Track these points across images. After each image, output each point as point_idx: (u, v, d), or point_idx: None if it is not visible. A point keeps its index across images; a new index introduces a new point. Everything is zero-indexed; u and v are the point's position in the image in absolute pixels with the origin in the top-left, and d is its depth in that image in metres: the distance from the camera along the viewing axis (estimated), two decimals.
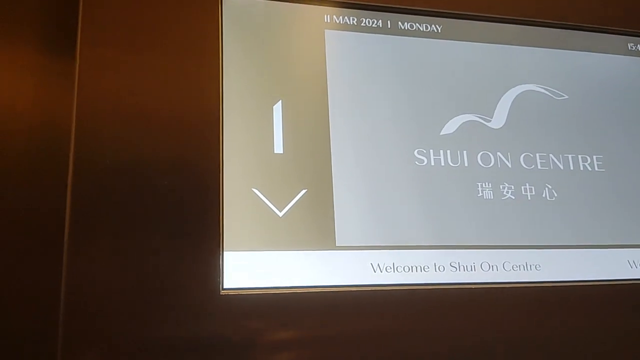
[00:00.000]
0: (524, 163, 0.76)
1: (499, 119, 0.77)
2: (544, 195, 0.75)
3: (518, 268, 0.70)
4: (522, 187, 0.74)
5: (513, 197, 0.74)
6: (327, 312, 0.63)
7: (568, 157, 0.78)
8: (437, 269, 0.68)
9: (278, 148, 0.69)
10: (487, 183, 0.73)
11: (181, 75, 0.67)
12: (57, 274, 0.59)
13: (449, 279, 0.68)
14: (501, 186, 0.74)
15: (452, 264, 0.69)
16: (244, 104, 0.69)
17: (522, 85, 0.80)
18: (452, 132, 0.75)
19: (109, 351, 0.58)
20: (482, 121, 0.76)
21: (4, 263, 0.62)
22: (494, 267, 0.70)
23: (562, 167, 0.77)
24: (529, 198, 0.74)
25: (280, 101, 0.71)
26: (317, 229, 0.66)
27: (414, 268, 0.67)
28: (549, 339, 0.67)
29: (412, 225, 0.69)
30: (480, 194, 0.73)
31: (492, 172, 0.74)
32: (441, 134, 0.74)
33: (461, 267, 0.69)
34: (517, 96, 0.79)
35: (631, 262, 0.74)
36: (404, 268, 0.67)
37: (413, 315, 0.65)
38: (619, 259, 0.74)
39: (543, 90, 0.80)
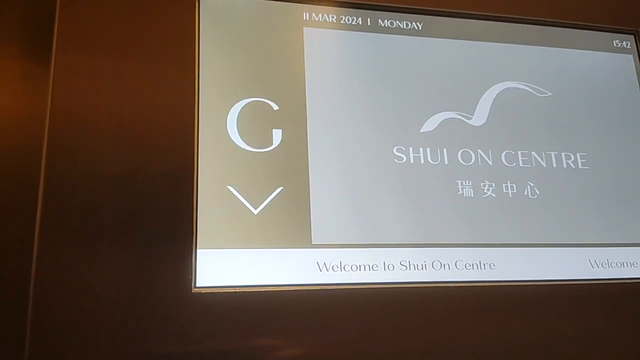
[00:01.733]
0: (506, 161, 0.75)
1: (480, 117, 0.76)
2: (525, 193, 0.74)
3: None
4: (504, 185, 0.74)
5: (494, 195, 0.73)
6: (302, 311, 0.62)
7: (551, 154, 0.77)
8: (416, 267, 0.67)
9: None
10: (467, 181, 0.73)
11: (156, 73, 0.67)
12: (26, 275, 0.58)
13: (432, 277, 0.67)
14: (482, 184, 0.73)
15: (433, 263, 0.68)
16: (220, 102, 0.69)
17: (504, 83, 0.79)
18: (432, 129, 0.74)
19: (79, 349, 0.57)
20: (463, 119, 0.76)
21: None
22: (447, 265, 0.69)
23: (544, 165, 0.76)
24: (510, 196, 0.73)
25: (258, 99, 0.70)
26: (293, 227, 0.66)
27: (391, 266, 0.66)
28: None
29: (390, 224, 0.69)
30: (461, 192, 0.72)
31: (473, 170, 0.73)
32: (421, 131, 0.74)
33: (443, 265, 0.68)
34: (498, 93, 0.78)
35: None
36: (382, 266, 0.66)
37: (390, 314, 0.64)
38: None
39: (526, 88, 0.80)
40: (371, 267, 0.66)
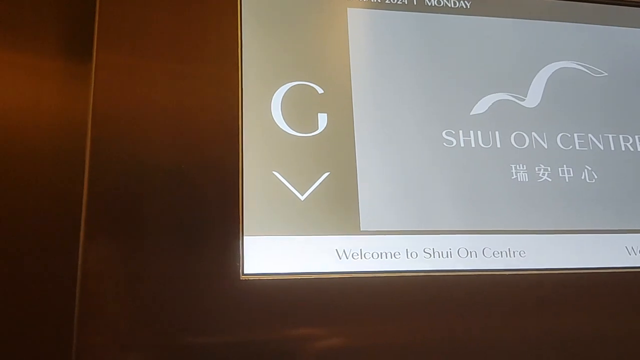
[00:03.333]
0: (561, 143, 0.71)
1: (533, 98, 0.73)
2: (583, 177, 0.70)
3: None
4: (559, 169, 0.70)
5: (550, 180, 0.69)
6: (350, 298, 0.60)
7: (608, 137, 0.73)
8: (471, 254, 0.64)
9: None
10: (521, 165, 0.69)
11: (199, 61, 0.66)
12: (74, 260, 0.58)
13: (489, 265, 0.64)
14: (537, 168, 0.70)
15: (487, 249, 0.65)
16: (264, 86, 0.67)
17: (558, 63, 0.75)
18: (483, 111, 0.71)
19: (127, 337, 0.56)
20: (516, 100, 0.72)
21: (21, 255, 0.61)
22: (517, 253, 0.65)
23: (602, 148, 0.72)
24: (567, 180, 0.70)
25: (302, 83, 0.68)
26: (340, 213, 0.64)
27: (443, 253, 0.64)
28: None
29: (441, 210, 0.66)
30: (515, 176, 0.69)
31: (527, 154, 0.70)
32: (471, 114, 0.71)
33: (507, 253, 0.65)
34: (552, 74, 0.74)
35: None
36: (434, 254, 0.64)
37: (439, 303, 0.62)
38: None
39: (580, 67, 0.76)
40: (425, 254, 0.63)
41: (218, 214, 0.61)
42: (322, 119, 0.67)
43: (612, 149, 0.73)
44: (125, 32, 0.66)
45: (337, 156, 0.66)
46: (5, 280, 0.59)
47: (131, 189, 0.60)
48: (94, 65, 0.64)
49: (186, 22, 0.68)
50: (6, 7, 0.68)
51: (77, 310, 0.56)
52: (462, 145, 0.69)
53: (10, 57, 0.67)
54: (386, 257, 0.63)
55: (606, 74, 0.76)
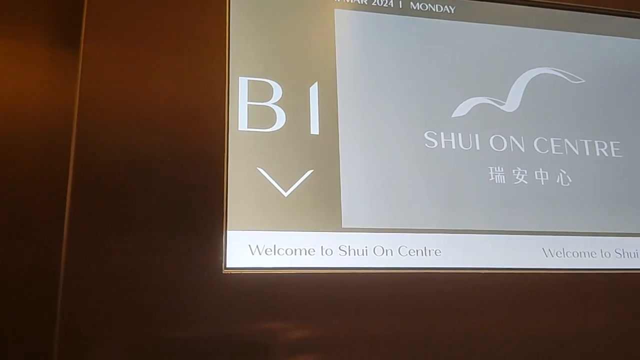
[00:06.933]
0: (538, 147, 0.74)
1: (512, 102, 0.75)
2: (558, 181, 0.72)
3: (417, 253, 0.66)
4: (536, 172, 0.72)
5: (526, 182, 0.72)
6: (331, 294, 0.61)
7: (584, 142, 0.75)
8: (448, 253, 0.66)
9: (281, 125, 0.67)
10: (499, 167, 0.71)
11: (186, 58, 0.67)
12: (57, 255, 0.58)
13: (464, 264, 0.66)
14: (514, 170, 0.72)
15: (464, 247, 0.67)
16: (250, 84, 0.68)
17: (537, 69, 0.77)
18: (464, 114, 0.73)
19: (110, 329, 0.57)
20: (495, 104, 0.74)
21: (1, 247, 0.61)
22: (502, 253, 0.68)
23: (577, 153, 0.75)
24: (542, 183, 0.72)
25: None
26: (323, 210, 0.65)
27: (421, 252, 0.66)
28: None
29: (421, 209, 0.68)
30: (492, 178, 0.71)
31: (505, 156, 0.72)
32: (453, 116, 0.73)
33: (473, 251, 0.67)
34: (531, 79, 0.77)
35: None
36: (411, 252, 0.65)
37: (416, 299, 0.64)
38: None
39: (559, 74, 0.78)
40: (404, 252, 0.65)
41: (202, 208, 0.62)
42: None
43: (587, 154, 0.75)
44: (114, 22, 0.66)
45: (321, 154, 0.67)
46: None
47: (115, 182, 0.61)
48: (81, 55, 0.64)
49: (174, 14, 0.68)
50: None
51: (60, 302, 0.57)
52: (443, 146, 0.71)
53: None
54: (367, 254, 0.64)
55: (584, 81, 0.79)
